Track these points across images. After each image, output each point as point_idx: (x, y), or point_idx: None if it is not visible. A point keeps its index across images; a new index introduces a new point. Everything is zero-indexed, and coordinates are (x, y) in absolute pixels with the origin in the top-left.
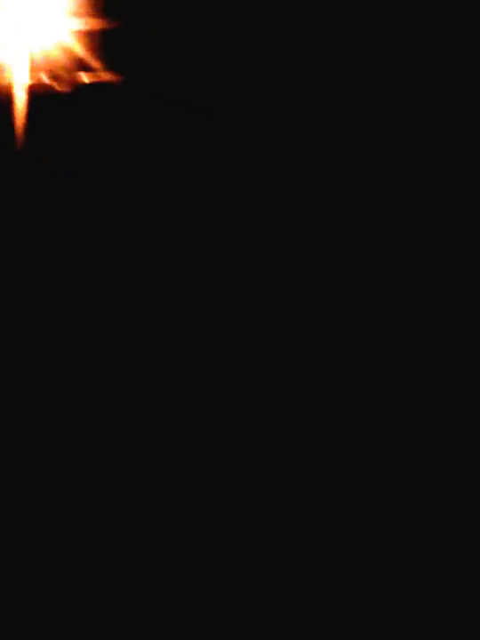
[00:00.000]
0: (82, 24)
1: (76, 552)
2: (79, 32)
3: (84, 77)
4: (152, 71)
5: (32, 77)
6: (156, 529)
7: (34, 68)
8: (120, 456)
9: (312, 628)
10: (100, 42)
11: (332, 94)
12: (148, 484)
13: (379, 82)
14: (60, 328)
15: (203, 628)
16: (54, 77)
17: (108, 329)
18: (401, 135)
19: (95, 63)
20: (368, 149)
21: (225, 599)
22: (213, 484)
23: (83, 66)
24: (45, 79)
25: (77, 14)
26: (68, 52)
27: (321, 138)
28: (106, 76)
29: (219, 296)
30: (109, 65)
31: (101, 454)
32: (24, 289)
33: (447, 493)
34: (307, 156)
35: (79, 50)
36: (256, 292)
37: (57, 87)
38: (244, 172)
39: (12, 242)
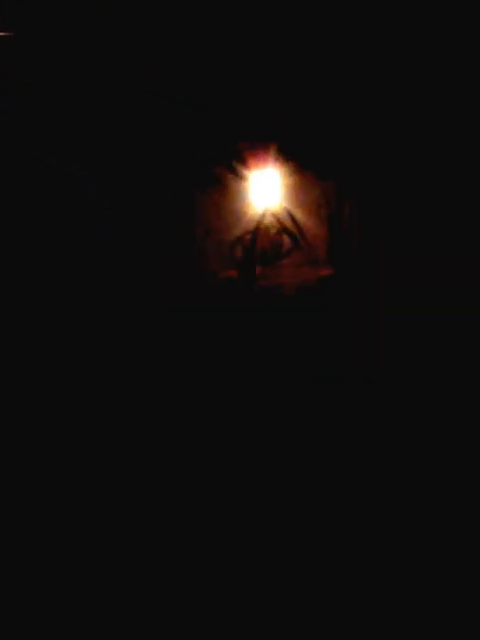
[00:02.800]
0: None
1: (76, 552)
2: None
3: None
4: (146, 68)
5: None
6: (154, 530)
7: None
8: (115, 454)
9: (312, 627)
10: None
11: (326, 88)
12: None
13: (375, 82)
14: (54, 325)
15: (203, 628)
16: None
17: (103, 326)
18: (399, 135)
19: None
20: (365, 147)
21: (224, 599)
22: (211, 486)
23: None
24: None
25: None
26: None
27: (317, 135)
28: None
29: (213, 291)
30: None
31: (96, 453)
32: (19, 287)
33: (445, 493)
34: (303, 153)
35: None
36: (250, 286)
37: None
38: (237, 166)
39: (7, 240)
